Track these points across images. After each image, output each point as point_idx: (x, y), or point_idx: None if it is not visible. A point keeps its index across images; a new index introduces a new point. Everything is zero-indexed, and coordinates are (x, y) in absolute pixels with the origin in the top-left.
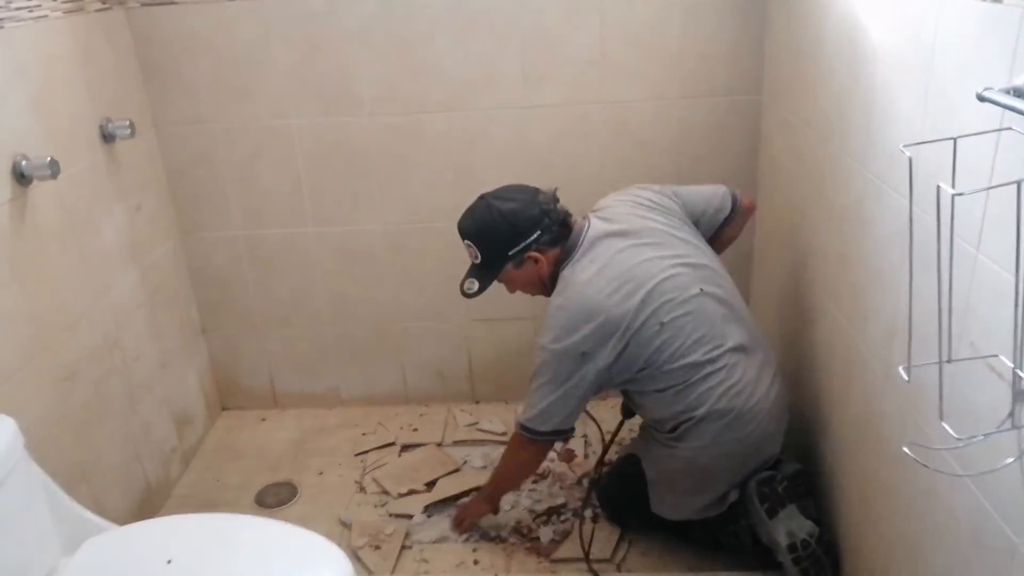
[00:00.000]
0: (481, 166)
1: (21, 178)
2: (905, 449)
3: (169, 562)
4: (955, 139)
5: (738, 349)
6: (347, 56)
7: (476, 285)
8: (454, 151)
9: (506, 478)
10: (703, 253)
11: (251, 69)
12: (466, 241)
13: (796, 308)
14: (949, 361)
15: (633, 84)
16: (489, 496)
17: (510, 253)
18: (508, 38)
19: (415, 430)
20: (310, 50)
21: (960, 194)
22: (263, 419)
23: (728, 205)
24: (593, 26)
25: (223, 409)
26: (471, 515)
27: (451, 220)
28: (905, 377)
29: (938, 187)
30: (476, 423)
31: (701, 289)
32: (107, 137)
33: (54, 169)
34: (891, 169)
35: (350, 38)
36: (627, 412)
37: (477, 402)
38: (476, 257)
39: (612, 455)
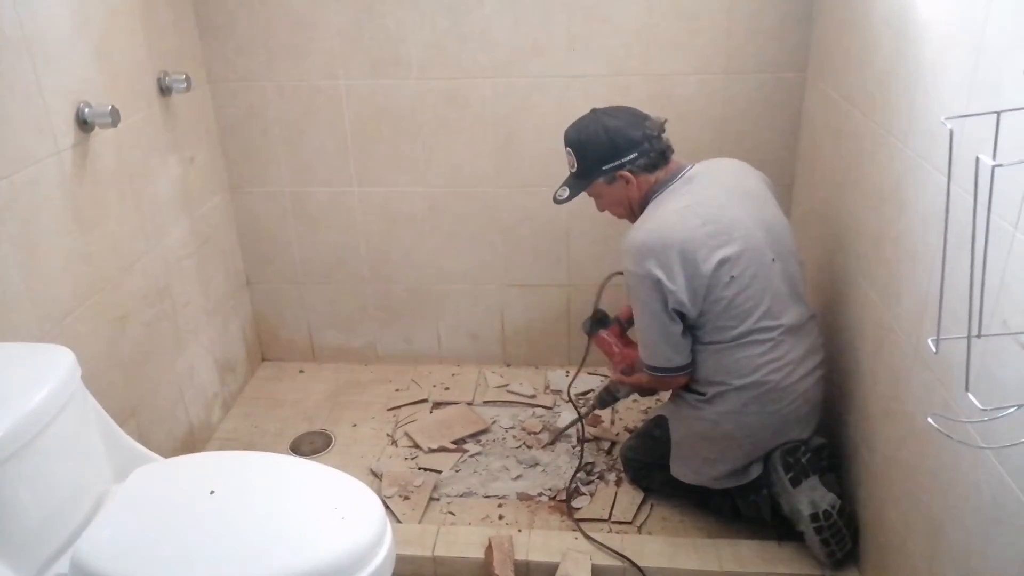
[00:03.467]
0: (523, 133)
1: (84, 125)
2: (930, 420)
3: (212, 493)
4: (999, 113)
5: (791, 329)
6: (398, 19)
7: (566, 192)
8: (497, 117)
9: (639, 387)
10: (783, 227)
11: (304, 29)
12: (567, 148)
13: (828, 284)
14: (979, 336)
15: (679, 57)
16: (624, 378)
17: (604, 168)
18: (556, 6)
19: (447, 389)
20: (362, 12)
21: (1000, 165)
22: (301, 371)
23: None
24: None
25: (263, 359)
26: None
27: (491, 186)
28: (933, 349)
29: (977, 158)
30: (506, 385)
31: (773, 259)
32: (164, 90)
33: (115, 118)
34: (933, 147)
35: (401, 1)
36: (589, 331)
37: (508, 365)
38: (573, 166)
39: (637, 421)
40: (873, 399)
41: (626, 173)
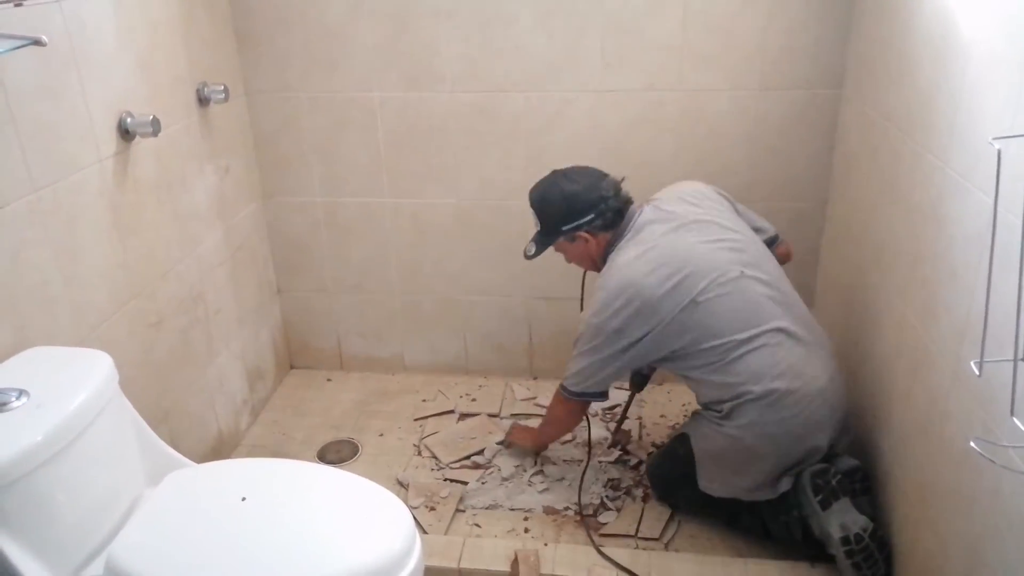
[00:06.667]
0: (554, 147)
1: (126, 134)
2: (972, 444)
3: (244, 499)
4: None
5: (782, 331)
6: (432, 33)
7: (533, 248)
8: (529, 131)
9: (547, 426)
10: (748, 240)
11: (340, 42)
12: (532, 208)
13: (862, 305)
14: None
15: (712, 73)
16: (534, 437)
17: (563, 229)
18: (591, 20)
19: (473, 400)
20: (397, 26)
21: None
22: (329, 380)
23: (768, 233)
24: (676, 12)
25: (292, 367)
26: (516, 439)
27: (522, 199)
28: (977, 372)
29: None
30: (533, 398)
31: (742, 272)
32: (203, 100)
33: (156, 127)
34: (975, 167)
35: (437, 15)
36: (637, 385)
37: (535, 378)
38: (537, 225)
39: (665, 437)
40: (908, 421)
41: (584, 234)
